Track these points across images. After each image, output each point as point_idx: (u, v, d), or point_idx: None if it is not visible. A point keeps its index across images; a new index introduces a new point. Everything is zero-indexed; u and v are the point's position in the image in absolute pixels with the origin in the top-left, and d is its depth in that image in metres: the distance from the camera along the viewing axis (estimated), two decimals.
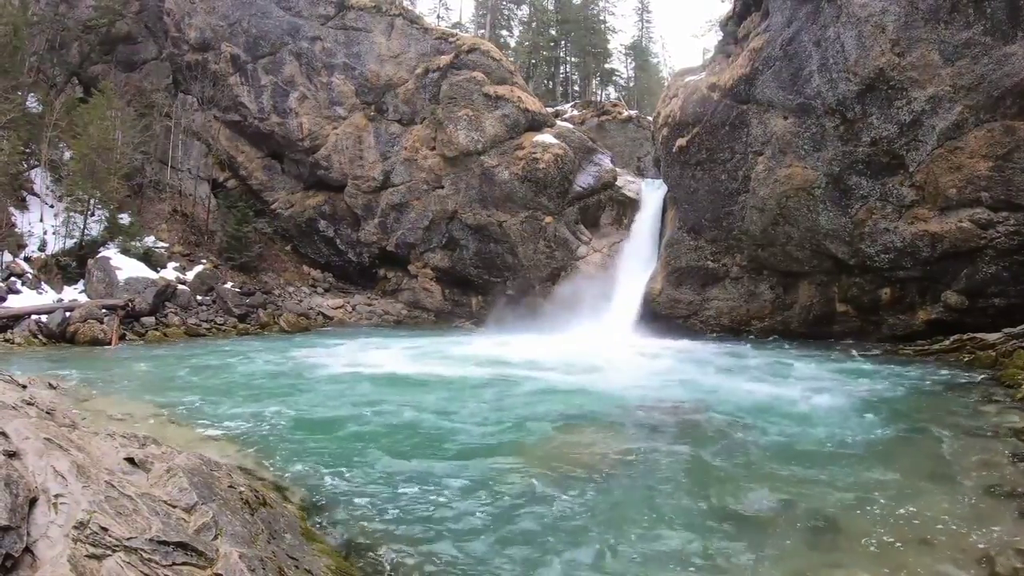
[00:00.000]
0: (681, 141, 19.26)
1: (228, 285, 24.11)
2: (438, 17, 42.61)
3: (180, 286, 22.50)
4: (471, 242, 25.25)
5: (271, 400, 9.61)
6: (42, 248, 22.39)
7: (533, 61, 40.22)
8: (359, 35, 26.66)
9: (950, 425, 7.81)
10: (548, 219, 23.61)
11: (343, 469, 6.33)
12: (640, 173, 26.85)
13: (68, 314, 18.67)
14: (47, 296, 20.45)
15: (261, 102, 27.81)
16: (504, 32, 43.64)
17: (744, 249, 18.61)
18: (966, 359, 12.50)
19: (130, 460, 4.24)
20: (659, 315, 20.31)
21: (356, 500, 5.60)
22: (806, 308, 17.70)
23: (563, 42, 42.25)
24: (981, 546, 4.66)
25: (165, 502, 3.76)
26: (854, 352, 14.81)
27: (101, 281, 21.08)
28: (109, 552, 3.10)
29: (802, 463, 6.56)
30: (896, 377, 11.31)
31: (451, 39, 26.18)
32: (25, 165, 24.45)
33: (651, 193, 23.74)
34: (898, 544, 4.75)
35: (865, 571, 4.39)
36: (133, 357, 15.41)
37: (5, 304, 19.04)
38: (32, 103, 26.27)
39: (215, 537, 3.61)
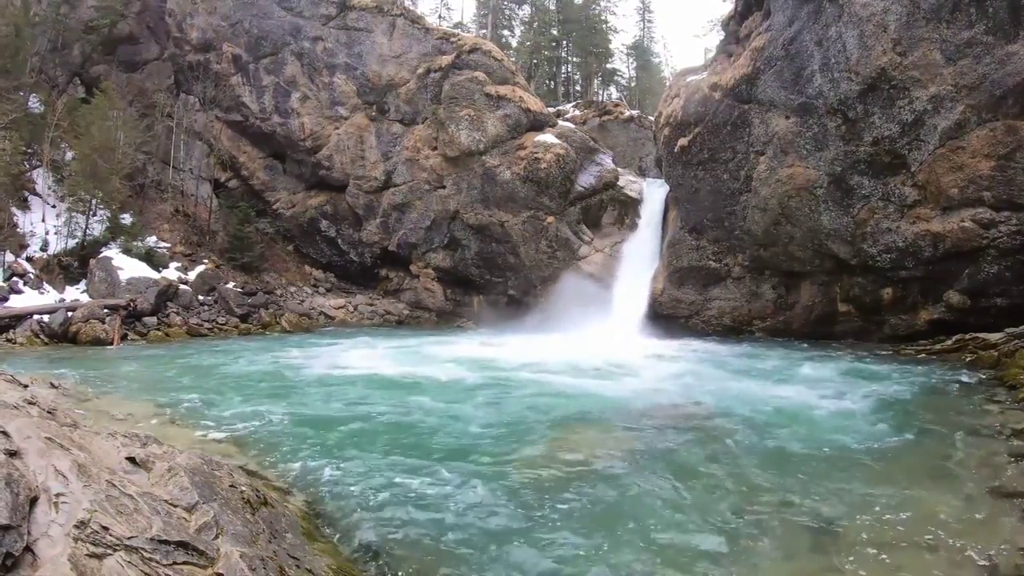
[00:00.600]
0: (683, 141, 19.25)
1: (230, 285, 24.14)
2: (439, 17, 42.64)
3: (182, 286, 22.52)
4: (473, 242, 25.25)
5: (272, 400, 9.61)
6: (44, 248, 22.43)
7: (534, 61, 40.18)
8: (360, 35, 26.67)
9: (952, 425, 7.79)
10: (550, 219, 23.61)
11: (345, 469, 6.33)
12: (642, 173, 26.86)
13: (70, 314, 18.69)
14: (49, 296, 20.49)
15: (263, 102, 27.84)
16: (505, 32, 43.66)
17: (746, 249, 18.59)
18: (968, 359, 12.46)
19: (131, 459, 4.24)
20: (661, 315, 20.30)
21: (357, 500, 5.59)
22: (808, 308, 17.67)
23: (565, 42, 42.22)
24: (983, 547, 4.64)
25: (166, 501, 3.76)
26: (856, 352, 14.78)
27: (103, 281, 21.11)
28: (110, 551, 3.10)
29: (802, 463, 6.55)
30: (898, 377, 11.27)
31: (452, 39, 26.18)
32: (27, 165, 24.50)
33: (653, 193, 23.72)
34: (899, 544, 4.74)
35: (866, 571, 4.38)
36: (135, 357, 15.43)
37: (7, 304, 19.07)
38: (34, 103, 26.33)
39: (216, 536, 3.61)
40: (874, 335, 16.26)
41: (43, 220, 23.36)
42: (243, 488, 4.57)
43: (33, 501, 3.22)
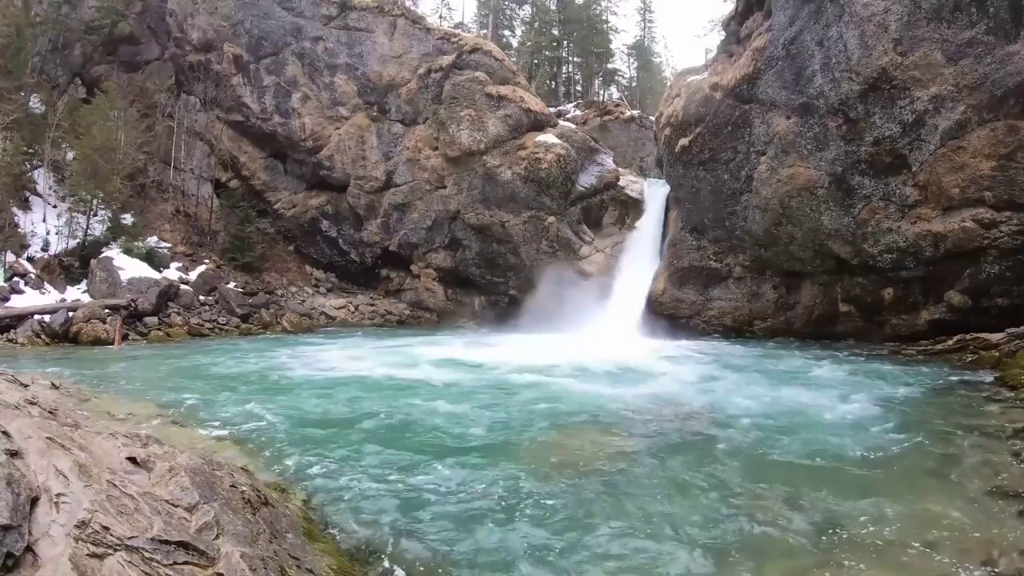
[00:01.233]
0: (684, 141, 19.25)
1: (231, 285, 24.15)
2: (440, 17, 42.65)
3: (183, 286, 22.54)
4: (473, 242, 25.25)
5: (273, 400, 9.60)
6: (45, 248, 22.45)
7: (535, 61, 40.20)
8: (361, 35, 26.68)
9: (953, 425, 7.79)
10: (551, 219, 23.60)
11: (346, 469, 6.33)
12: (643, 173, 26.88)
13: (71, 314, 18.71)
14: (50, 296, 20.51)
15: (263, 102, 27.85)
16: (506, 32, 43.71)
17: (747, 249, 18.59)
18: (969, 359, 12.46)
19: (132, 459, 4.23)
20: (662, 315, 20.29)
21: (358, 500, 5.59)
22: (809, 308, 17.66)
23: (565, 42, 42.23)
24: (984, 547, 4.64)
25: (167, 501, 3.76)
26: (857, 352, 14.78)
27: (104, 281, 21.13)
28: (110, 551, 3.10)
29: (803, 463, 6.55)
30: (899, 377, 11.27)
31: (453, 39, 26.18)
32: (28, 165, 24.52)
33: (654, 193, 23.73)
34: (900, 544, 4.73)
35: (867, 571, 4.37)
36: (136, 357, 15.43)
37: (8, 304, 19.09)
38: (35, 104, 26.35)
39: (216, 536, 3.60)
40: (875, 335, 16.25)
41: (44, 220, 23.38)
42: (244, 488, 4.57)
43: (34, 501, 3.22)
